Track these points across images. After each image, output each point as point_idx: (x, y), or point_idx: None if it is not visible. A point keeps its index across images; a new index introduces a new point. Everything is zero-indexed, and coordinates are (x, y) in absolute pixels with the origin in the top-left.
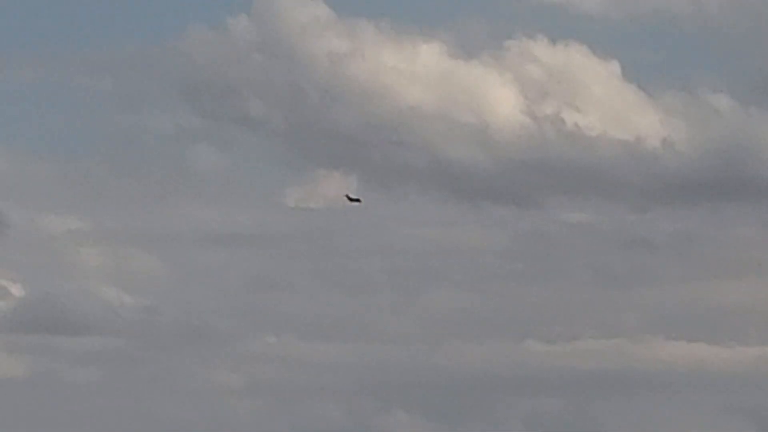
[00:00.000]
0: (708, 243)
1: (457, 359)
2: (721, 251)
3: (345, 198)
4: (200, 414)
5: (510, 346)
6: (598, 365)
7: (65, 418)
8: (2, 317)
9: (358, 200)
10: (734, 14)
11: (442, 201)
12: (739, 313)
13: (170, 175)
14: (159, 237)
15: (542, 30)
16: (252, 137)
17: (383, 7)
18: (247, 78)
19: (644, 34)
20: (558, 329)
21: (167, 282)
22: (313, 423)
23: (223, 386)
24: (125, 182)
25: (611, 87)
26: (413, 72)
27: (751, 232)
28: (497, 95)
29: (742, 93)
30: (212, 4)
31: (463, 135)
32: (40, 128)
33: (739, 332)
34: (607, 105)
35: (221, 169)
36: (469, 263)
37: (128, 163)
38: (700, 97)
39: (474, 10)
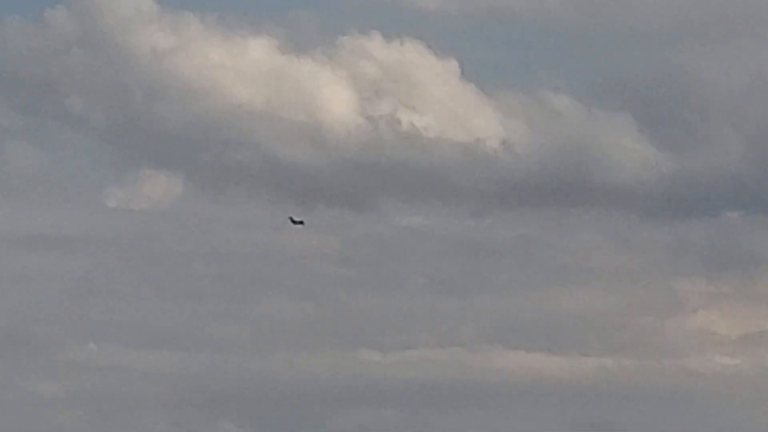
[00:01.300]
0: (548, 249)
1: (289, 369)
2: (562, 258)
3: (289, 220)
4: (18, 425)
5: (343, 355)
6: (434, 375)
7: None
8: None
9: (301, 222)
10: (575, 12)
11: (274, 203)
12: (579, 321)
13: None
14: None
15: (377, 26)
16: (72, 135)
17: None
18: (67, 73)
19: (484, 31)
20: (392, 338)
21: None
22: None
23: (43, 396)
24: None
25: (449, 86)
26: (241, 68)
27: (593, 238)
28: (330, 93)
29: (583, 93)
30: None
31: (294, 135)
32: None
33: (580, 342)
34: (445, 105)
35: (39, 167)
36: (301, 269)
37: None
38: (541, 97)
39: (305, 4)
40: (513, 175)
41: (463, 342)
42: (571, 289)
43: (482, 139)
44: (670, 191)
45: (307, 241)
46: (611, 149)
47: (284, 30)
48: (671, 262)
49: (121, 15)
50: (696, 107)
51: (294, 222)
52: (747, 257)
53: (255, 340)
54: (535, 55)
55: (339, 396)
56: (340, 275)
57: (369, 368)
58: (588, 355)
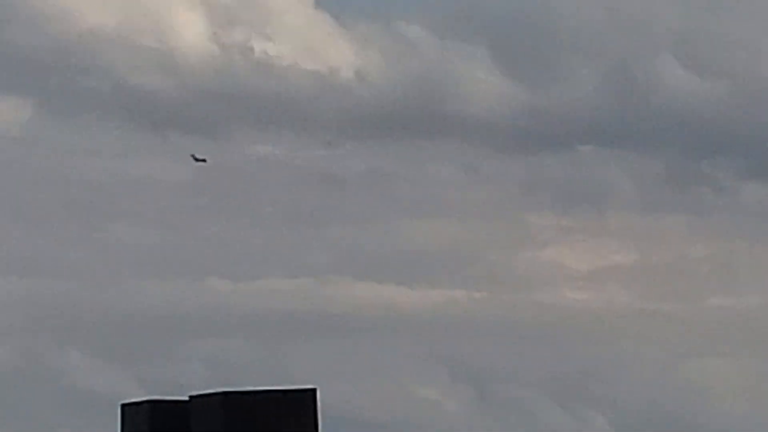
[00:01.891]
0: (400, 181)
1: (137, 297)
2: (414, 190)
3: (191, 157)
4: None
5: (192, 284)
6: (284, 305)
7: None
8: None
9: (204, 160)
10: None
11: (125, 130)
12: (430, 254)
13: None
14: None
15: None
16: None
17: None
18: None
19: None
20: (242, 267)
21: None
22: None
23: None
24: None
25: (303, 15)
26: None
27: (445, 170)
28: (183, 20)
29: (438, 25)
30: None
31: (147, 61)
32: None
33: (430, 274)
34: (298, 34)
35: None
36: (152, 196)
37: None
38: (396, 28)
39: None
40: (366, 105)
41: (313, 273)
42: (423, 221)
43: (336, 68)
44: (523, 124)
45: (158, 168)
46: (465, 81)
47: None
48: (523, 195)
49: None
50: (551, 40)
51: (196, 159)
52: (599, 191)
53: (103, 267)
54: None
55: (188, 325)
56: (190, 203)
57: (218, 297)
58: (438, 288)
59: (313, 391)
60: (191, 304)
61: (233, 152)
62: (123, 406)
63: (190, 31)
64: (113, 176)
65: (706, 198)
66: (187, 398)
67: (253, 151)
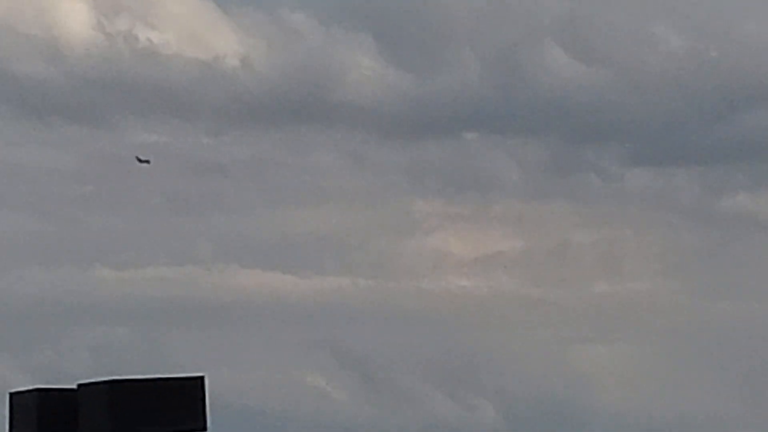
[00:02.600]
0: (285, 168)
1: (21, 285)
2: (299, 177)
3: (136, 159)
4: None
5: (77, 273)
6: (170, 293)
7: None
8: None
9: (147, 161)
10: None
11: (9, 118)
12: (316, 241)
13: None
14: None
15: None
16: None
17: None
18: None
19: None
20: (128, 256)
21: None
22: None
23: None
24: None
25: (187, 3)
26: None
27: (330, 158)
28: (67, 8)
29: (322, 13)
30: None
31: (30, 49)
32: None
33: (316, 261)
34: (183, 23)
35: None
36: (36, 185)
37: None
38: (280, 15)
39: None
40: (251, 93)
41: (199, 260)
42: (308, 209)
43: (220, 57)
44: (408, 111)
45: (42, 157)
46: (350, 69)
47: None
48: (408, 182)
49: None
50: (436, 27)
51: (140, 161)
52: (484, 179)
53: None
54: None
55: (73, 314)
56: (75, 192)
57: (104, 286)
58: (324, 275)
59: (201, 378)
60: (77, 292)
61: (118, 140)
62: (11, 395)
63: (74, 19)
64: None
65: (591, 185)
66: (75, 386)
67: (138, 140)
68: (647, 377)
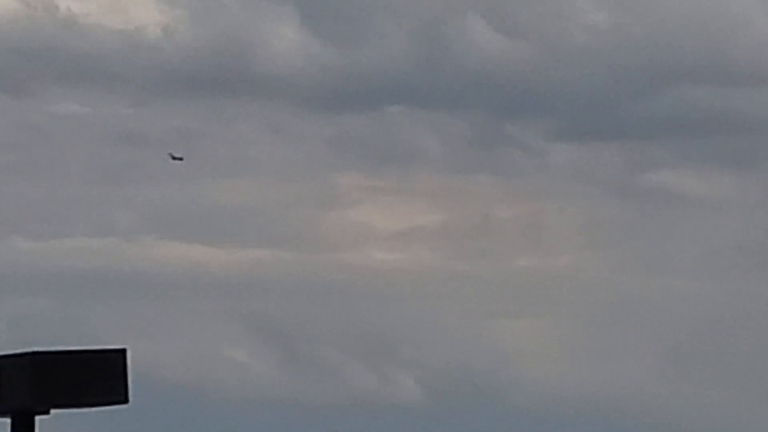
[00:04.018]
0: (207, 140)
1: None
2: (221, 149)
3: (169, 156)
4: None
5: None
6: (90, 265)
7: None
8: None
9: (180, 158)
10: None
11: None
12: (237, 213)
13: None
14: None
15: None
16: None
17: None
18: None
19: None
20: (47, 226)
21: None
22: None
23: None
24: None
25: None
26: None
27: (252, 129)
28: None
29: None
30: None
31: None
32: None
33: (236, 234)
34: None
35: None
36: None
37: None
38: None
39: None
40: (173, 64)
41: (119, 232)
42: (230, 180)
43: (142, 27)
44: (332, 84)
45: None
46: (272, 40)
47: None
48: (330, 155)
49: None
50: (360, 0)
51: (174, 158)
52: (407, 152)
53: None
54: None
55: None
56: None
57: (22, 257)
58: (245, 248)
59: (123, 351)
60: None
61: (38, 110)
62: None
63: None
64: None
65: (514, 159)
66: None
67: (59, 110)
68: (569, 352)
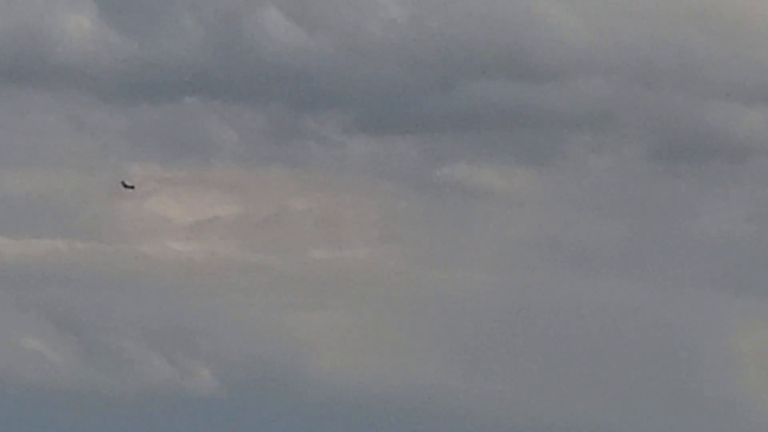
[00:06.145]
0: (3, 130)
1: None
2: (17, 139)
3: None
4: None
5: None
6: None
7: None
8: None
9: (132, 187)
10: None
11: None
12: (32, 203)
13: None
14: None
15: None
16: None
17: None
18: None
19: None
20: None
21: None
22: None
23: None
24: None
25: None
26: None
27: (49, 120)
28: None
29: None
30: None
31: None
32: None
33: (32, 224)
34: None
35: None
36: None
37: None
38: None
39: None
40: None
41: None
42: (26, 170)
43: None
44: (129, 75)
45: None
46: (70, 31)
47: None
48: (126, 145)
49: None
50: None
51: (125, 186)
52: (203, 144)
53: None
54: None
55: None
56: None
57: None
58: (41, 238)
59: None
60: None
61: None
62: None
63: None
64: None
65: (311, 151)
66: None
67: None
68: (365, 344)
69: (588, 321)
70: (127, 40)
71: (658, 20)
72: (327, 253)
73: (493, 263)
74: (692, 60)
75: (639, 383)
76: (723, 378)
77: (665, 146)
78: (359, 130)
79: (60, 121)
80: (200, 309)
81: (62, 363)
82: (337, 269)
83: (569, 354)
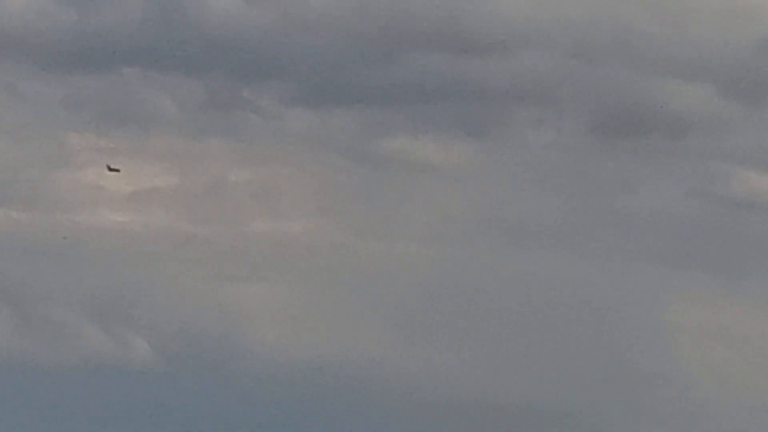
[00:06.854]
0: None
1: None
2: None
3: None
4: None
5: None
6: None
7: None
8: None
9: (117, 170)
10: None
11: None
12: None
13: None
14: None
15: None
16: None
17: None
18: None
19: None
20: None
21: None
22: None
23: None
24: None
25: None
26: None
27: None
28: None
29: None
30: None
31: None
32: None
33: None
34: None
35: None
36: None
37: None
38: None
39: None
40: None
41: None
42: None
43: None
44: (67, 45)
45: None
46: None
47: None
48: (63, 115)
49: None
50: None
51: (110, 170)
52: (141, 114)
53: None
54: None
55: None
56: None
57: None
58: None
59: None
60: None
61: None
62: None
63: None
64: None
65: (250, 123)
66: None
67: None
68: (302, 317)
69: (526, 294)
70: (65, 10)
71: None
72: (265, 225)
73: (432, 236)
74: (632, 35)
75: (575, 356)
76: (659, 352)
77: (605, 121)
78: (298, 101)
79: None
80: (137, 280)
81: None
82: (275, 241)
83: (506, 327)
